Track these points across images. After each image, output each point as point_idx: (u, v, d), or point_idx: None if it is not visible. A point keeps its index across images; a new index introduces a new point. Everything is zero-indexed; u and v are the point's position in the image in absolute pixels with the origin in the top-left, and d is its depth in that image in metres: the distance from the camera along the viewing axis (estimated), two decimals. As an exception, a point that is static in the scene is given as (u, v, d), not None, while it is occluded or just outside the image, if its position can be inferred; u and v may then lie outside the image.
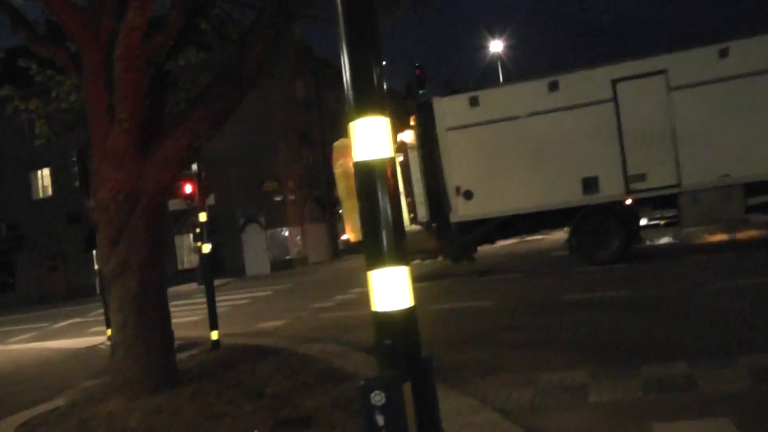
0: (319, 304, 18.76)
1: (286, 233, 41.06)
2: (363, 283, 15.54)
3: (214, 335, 12.88)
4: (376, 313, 3.17)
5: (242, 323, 14.85)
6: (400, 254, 3.12)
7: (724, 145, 17.44)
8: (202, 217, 13.47)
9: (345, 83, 3.32)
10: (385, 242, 3.11)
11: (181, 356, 10.71)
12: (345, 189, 22.58)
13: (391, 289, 3.08)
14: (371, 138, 3.17)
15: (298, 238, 41.93)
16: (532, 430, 6.13)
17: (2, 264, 42.98)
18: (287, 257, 40.53)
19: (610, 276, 15.98)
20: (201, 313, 13.67)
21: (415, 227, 20.38)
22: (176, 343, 10.10)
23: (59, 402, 10.04)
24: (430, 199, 20.16)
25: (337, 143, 23.74)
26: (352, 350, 10.74)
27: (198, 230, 13.90)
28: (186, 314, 17.85)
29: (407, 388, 3.02)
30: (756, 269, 14.03)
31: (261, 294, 24.88)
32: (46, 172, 44.34)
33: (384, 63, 3.54)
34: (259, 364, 10.48)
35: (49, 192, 44.53)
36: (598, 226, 18.45)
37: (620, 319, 10.97)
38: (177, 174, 10.38)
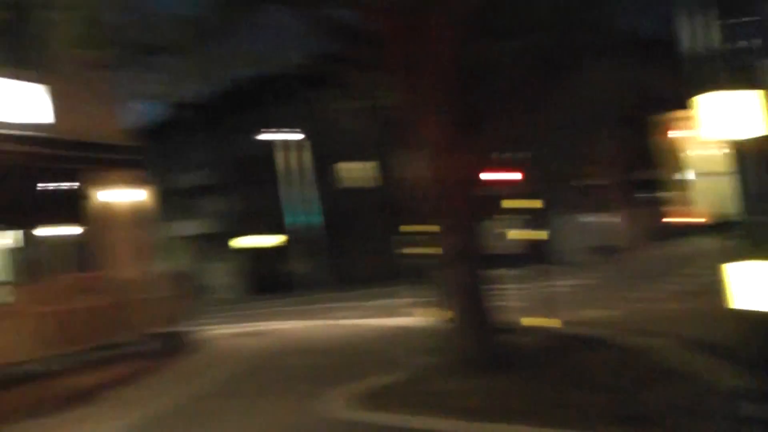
0: (645, 293, 18.08)
1: (606, 218, 40.15)
2: (692, 272, 14.53)
3: (538, 321, 12.93)
4: (751, 312, 2.85)
5: (564, 310, 14.71)
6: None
7: None
8: (532, 203, 13.64)
9: (697, 56, 3.09)
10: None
11: (508, 340, 10.86)
12: (682, 167, 21.11)
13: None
14: (745, 113, 2.91)
15: (619, 223, 40.82)
16: None
17: (324, 247, 46.14)
18: (607, 243, 39.63)
19: None
20: (517, 298, 13.77)
21: None
22: (502, 326, 10.30)
23: (392, 377, 10.52)
24: None
25: (667, 118, 22.29)
26: (688, 347, 10.26)
27: (524, 217, 14.07)
28: (504, 299, 17.87)
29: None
30: None
31: (581, 282, 24.48)
32: (358, 164, 46.85)
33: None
34: (588, 354, 10.46)
35: (361, 182, 46.89)
36: None
37: None
38: (496, 161, 10.61)
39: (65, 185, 16.37)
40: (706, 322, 10.58)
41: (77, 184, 16.13)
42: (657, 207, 43.19)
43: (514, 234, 14.93)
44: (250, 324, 22.53)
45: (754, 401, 2.78)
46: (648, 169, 39.73)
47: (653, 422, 6.77)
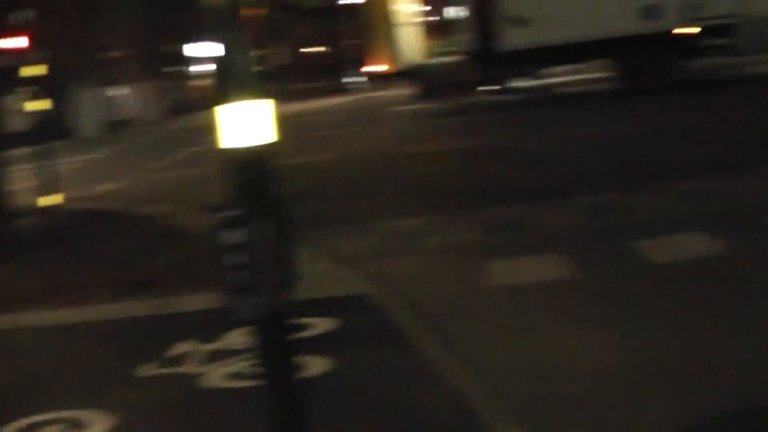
0: (156, 164, 18.36)
1: (121, 91, 39.34)
2: (201, 142, 15.12)
3: (50, 200, 12.43)
4: (229, 150, 3.01)
5: (78, 187, 14.44)
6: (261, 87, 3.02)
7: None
8: (35, 71, 12.54)
9: None
10: (243, 75, 2.98)
11: (17, 224, 10.40)
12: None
13: (249, 123, 2.96)
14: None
15: (134, 96, 40.30)
16: (369, 276, 6.39)
17: None
18: (122, 117, 39.00)
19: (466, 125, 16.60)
20: (34, 178, 13.13)
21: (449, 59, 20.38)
22: (13, 210, 9.94)
23: None
24: (476, 27, 18.88)
25: None
26: (192, 209, 10.68)
27: (29, 88, 12.98)
28: (18, 181, 16.79)
29: (264, 225, 3.00)
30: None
31: (95, 156, 24.06)
32: None
33: None
34: (98, 228, 10.47)
35: None
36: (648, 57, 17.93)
37: (465, 168, 11.47)
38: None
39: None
40: (205, 185, 11.30)
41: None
42: (182, 81, 44.05)
43: (22, 107, 13.88)
44: None
45: (235, 227, 3.04)
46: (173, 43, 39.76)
47: (157, 283, 7.11)
